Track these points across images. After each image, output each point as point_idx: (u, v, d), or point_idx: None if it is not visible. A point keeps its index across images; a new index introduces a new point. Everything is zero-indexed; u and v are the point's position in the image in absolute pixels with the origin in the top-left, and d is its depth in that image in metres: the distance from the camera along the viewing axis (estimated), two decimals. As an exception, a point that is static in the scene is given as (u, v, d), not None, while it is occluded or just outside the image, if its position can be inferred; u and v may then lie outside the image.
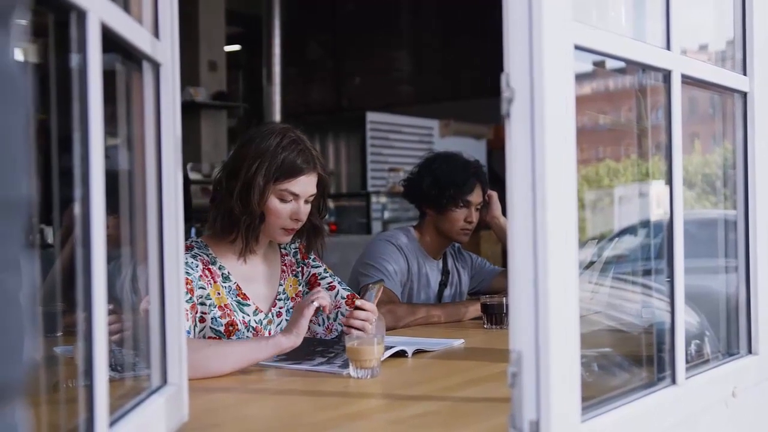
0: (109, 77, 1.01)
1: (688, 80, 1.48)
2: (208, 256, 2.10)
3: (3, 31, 0.53)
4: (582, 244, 1.19)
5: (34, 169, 0.58)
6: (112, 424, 1.02)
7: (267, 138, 2.06)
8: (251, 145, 2.07)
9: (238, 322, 2.06)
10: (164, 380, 1.29)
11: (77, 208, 0.95)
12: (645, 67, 1.47)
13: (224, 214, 2.08)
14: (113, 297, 1.10)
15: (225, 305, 2.06)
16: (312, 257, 2.30)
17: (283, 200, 2.07)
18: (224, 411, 1.53)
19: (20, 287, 0.54)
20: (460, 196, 2.83)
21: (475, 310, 2.70)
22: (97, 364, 0.95)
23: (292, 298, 2.23)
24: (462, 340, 2.25)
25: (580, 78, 1.19)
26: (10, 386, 0.54)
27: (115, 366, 1.25)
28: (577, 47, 1.17)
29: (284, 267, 2.25)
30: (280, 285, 2.21)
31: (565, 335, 1.12)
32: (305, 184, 2.08)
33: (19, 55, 0.55)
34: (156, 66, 1.27)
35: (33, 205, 0.58)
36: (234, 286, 2.10)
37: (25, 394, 0.57)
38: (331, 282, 2.26)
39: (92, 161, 0.95)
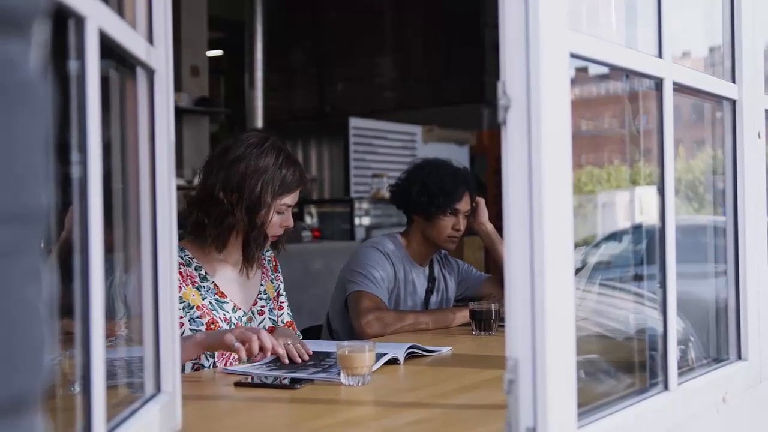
0: (102, 83, 1.00)
1: (678, 88, 1.49)
2: (182, 258, 2.14)
3: (23, 41, 0.52)
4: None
5: (53, 178, 0.57)
6: (109, 433, 1.01)
7: (263, 156, 2.14)
8: (247, 162, 2.13)
9: (218, 319, 2.12)
10: (158, 388, 1.28)
11: (75, 215, 0.94)
12: (638, 75, 1.48)
13: (223, 226, 2.12)
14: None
15: (203, 305, 2.11)
16: (279, 271, 2.40)
17: (279, 212, 2.19)
18: (217, 419, 1.52)
19: (40, 297, 0.54)
20: (449, 204, 2.83)
21: (463, 316, 2.70)
22: (95, 373, 0.94)
23: (273, 298, 2.32)
24: (450, 348, 2.25)
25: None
26: (31, 395, 0.53)
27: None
28: (573, 55, 1.18)
29: (264, 269, 2.34)
30: (261, 285, 2.30)
31: (562, 342, 1.12)
32: (297, 195, 2.22)
33: (38, 64, 0.54)
34: (150, 72, 1.26)
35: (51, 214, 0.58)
36: (212, 286, 2.17)
37: (43, 403, 0.56)
38: (284, 303, 2.39)
39: (90, 168, 0.94)
